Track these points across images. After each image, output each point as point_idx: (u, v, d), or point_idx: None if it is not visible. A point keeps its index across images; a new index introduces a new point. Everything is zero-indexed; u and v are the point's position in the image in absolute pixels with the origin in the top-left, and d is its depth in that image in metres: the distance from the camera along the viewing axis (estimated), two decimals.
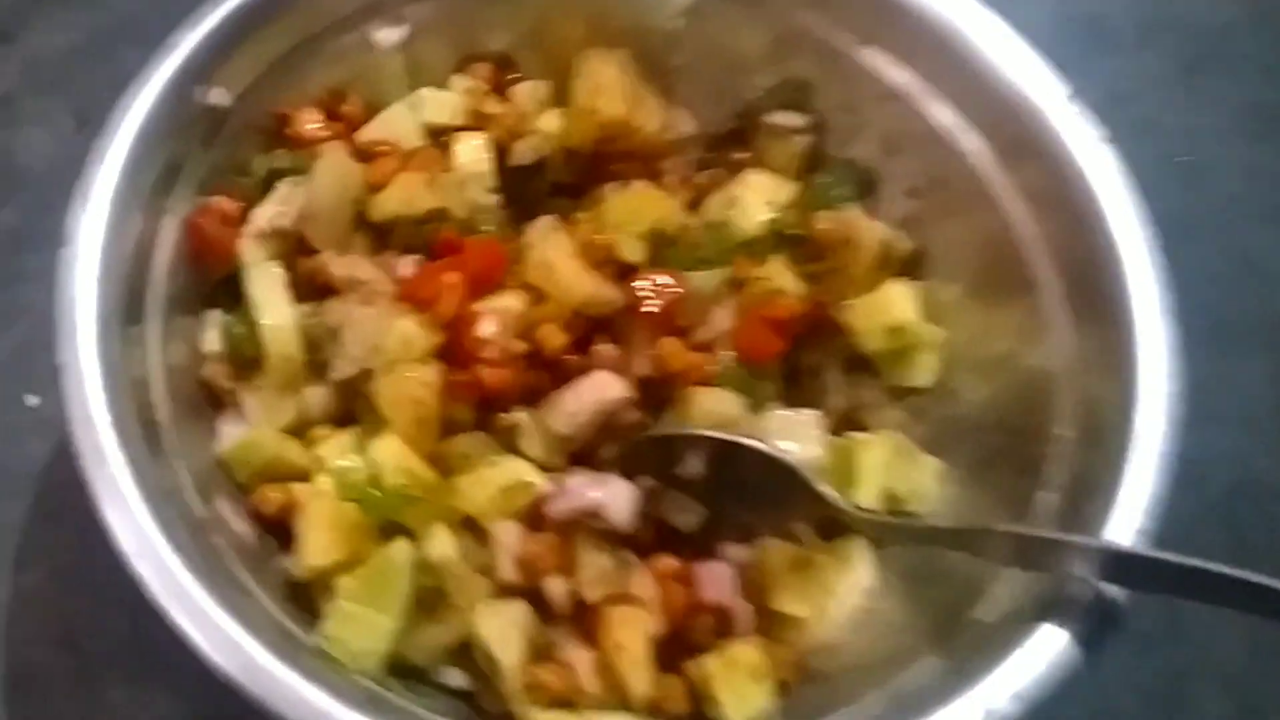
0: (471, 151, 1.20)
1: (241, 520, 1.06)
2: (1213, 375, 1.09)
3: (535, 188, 1.26)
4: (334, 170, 1.13)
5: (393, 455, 1.04)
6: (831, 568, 1.11)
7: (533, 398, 1.12)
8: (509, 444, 1.10)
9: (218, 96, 1.12)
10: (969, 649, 0.97)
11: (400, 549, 1.01)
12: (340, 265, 1.10)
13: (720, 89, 1.31)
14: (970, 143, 1.19)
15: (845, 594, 1.10)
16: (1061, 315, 1.12)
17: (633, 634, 1.03)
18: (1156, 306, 1.04)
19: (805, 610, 1.09)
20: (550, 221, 1.18)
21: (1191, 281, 1.07)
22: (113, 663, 1.20)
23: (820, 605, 1.10)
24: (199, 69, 1.10)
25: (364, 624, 0.98)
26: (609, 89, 1.21)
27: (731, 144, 1.33)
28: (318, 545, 1.02)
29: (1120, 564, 0.92)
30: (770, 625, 1.10)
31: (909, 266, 1.25)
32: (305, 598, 1.04)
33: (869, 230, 1.21)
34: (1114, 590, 0.94)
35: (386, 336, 1.06)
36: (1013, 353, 1.17)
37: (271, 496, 1.06)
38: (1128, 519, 0.96)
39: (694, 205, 1.29)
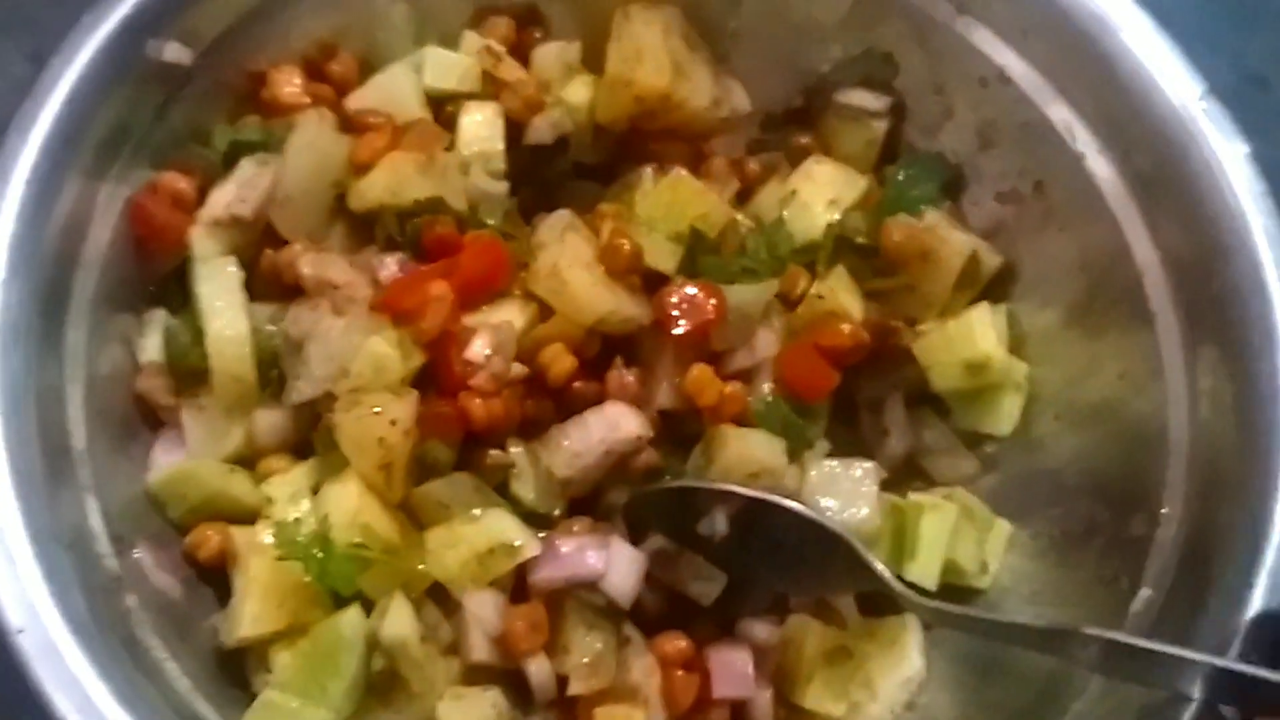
0: (479, 127, 1.01)
1: (166, 571, 0.89)
2: None
3: (554, 169, 1.06)
4: (311, 145, 0.95)
5: (348, 507, 0.86)
6: (875, 658, 0.93)
7: (531, 430, 0.94)
8: (498, 485, 0.93)
9: (175, 53, 0.94)
10: None
11: (350, 622, 0.85)
12: (311, 263, 0.92)
13: (785, 59, 1.11)
14: (1085, 144, 0.99)
15: (889, 692, 0.93)
16: (1180, 357, 0.94)
17: None
18: None
19: (840, 709, 0.92)
20: (566, 219, 0.98)
21: None
22: None
23: (858, 704, 0.92)
24: (152, 19, 0.92)
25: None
26: (650, 55, 1.01)
27: (794, 125, 1.13)
28: (252, 612, 0.85)
29: (1238, 684, 0.74)
30: None
31: (994, 286, 1.07)
32: (240, 665, 0.88)
33: (955, 243, 1.01)
34: (1230, 713, 0.77)
35: (356, 355, 0.88)
36: (1117, 399, 0.99)
37: (210, 539, 0.90)
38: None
39: (743, 197, 1.10)
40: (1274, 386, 0.86)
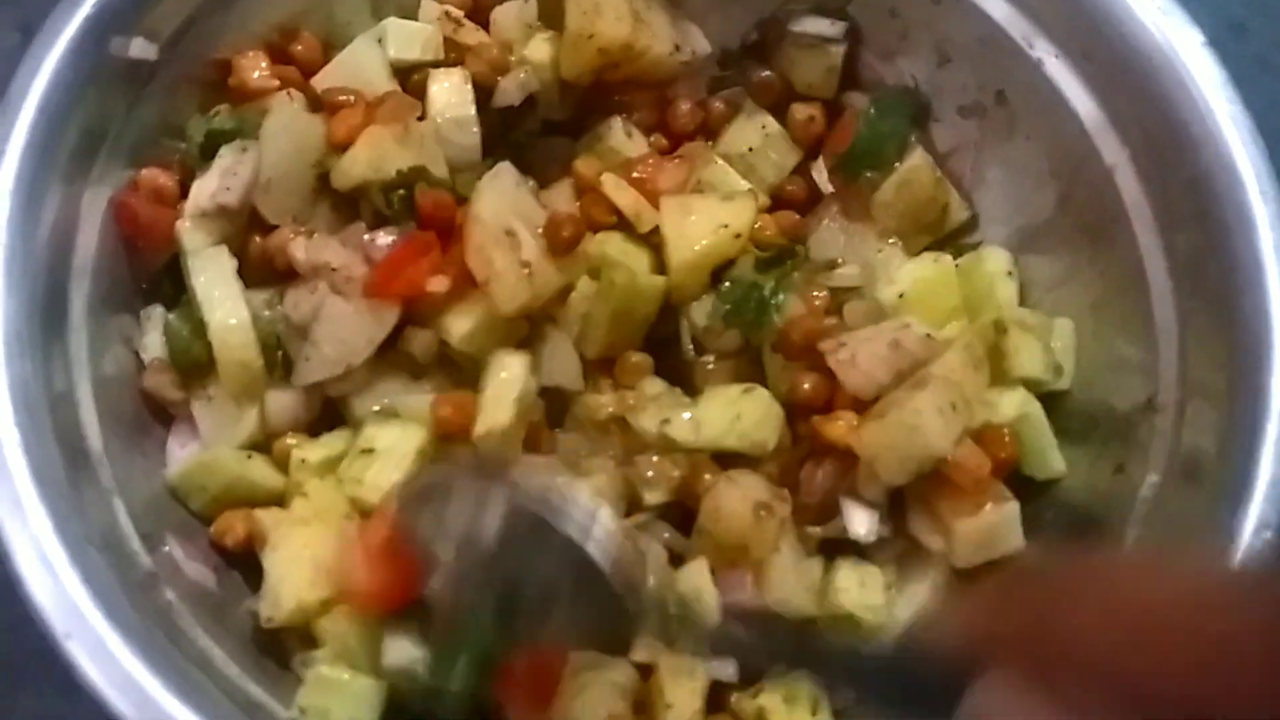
0: (450, 92, 1.00)
1: (197, 561, 0.90)
2: None
3: (524, 129, 1.07)
4: (287, 129, 0.95)
5: None
6: None
7: None
8: None
9: (140, 49, 0.93)
10: None
11: None
12: (304, 248, 0.92)
13: None
14: (1043, 49, 1.01)
15: None
16: (1158, 243, 0.96)
17: None
18: None
19: None
20: (508, 174, 0.98)
21: None
22: None
23: None
24: (114, 17, 0.92)
25: (348, 693, 0.83)
26: (609, 6, 1.01)
27: (752, 60, 1.13)
28: (291, 588, 0.86)
29: None
30: None
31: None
32: (280, 647, 0.89)
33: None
34: None
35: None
36: (1102, 299, 1.01)
37: (235, 526, 0.90)
38: None
39: (710, 137, 1.10)
40: (1256, 261, 0.89)
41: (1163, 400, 0.93)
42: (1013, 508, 0.93)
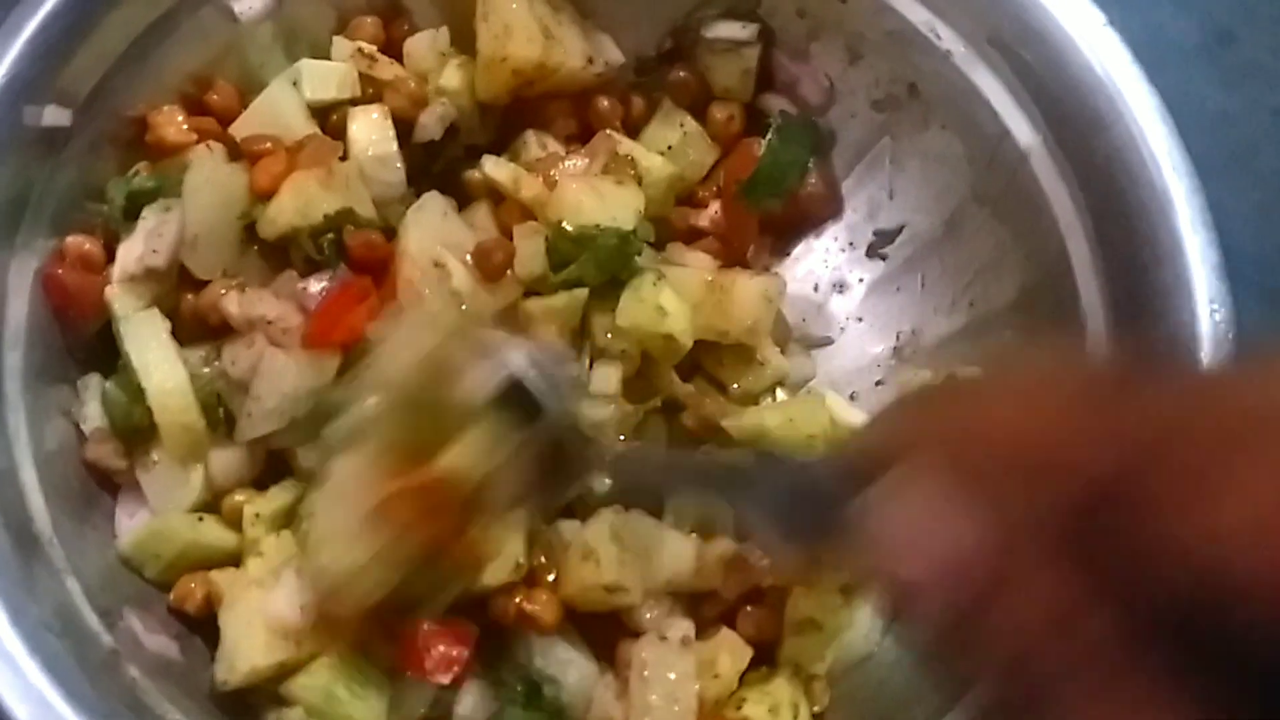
0: (370, 129, 1.00)
1: (157, 633, 0.89)
2: None
3: (447, 156, 1.06)
4: (209, 182, 0.94)
5: None
6: None
7: None
8: None
9: (54, 116, 0.92)
10: None
11: None
12: (237, 302, 0.92)
13: (647, 4, 1.12)
14: (950, 40, 1.02)
15: None
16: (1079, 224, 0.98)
17: None
18: None
19: None
20: (434, 204, 0.99)
21: None
22: None
23: None
24: (26, 85, 0.91)
25: None
26: (520, 27, 1.01)
27: (668, 67, 1.14)
28: (247, 647, 0.86)
29: None
30: None
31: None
32: (250, 710, 0.89)
33: None
34: None
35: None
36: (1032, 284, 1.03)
37: (193, 591, 0.90)
38: None
39: (633, 133, 1.11)
40: (1174, 237, 0.91)
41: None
42: None
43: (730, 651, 0.92)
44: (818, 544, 0.70)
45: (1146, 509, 0.42)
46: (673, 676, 0.88)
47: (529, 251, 0.96)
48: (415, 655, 0.86)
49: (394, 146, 1.01)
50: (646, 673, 0.88)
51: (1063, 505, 0.45)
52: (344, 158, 0.99)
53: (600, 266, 0.95)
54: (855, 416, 1.02)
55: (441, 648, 0.86)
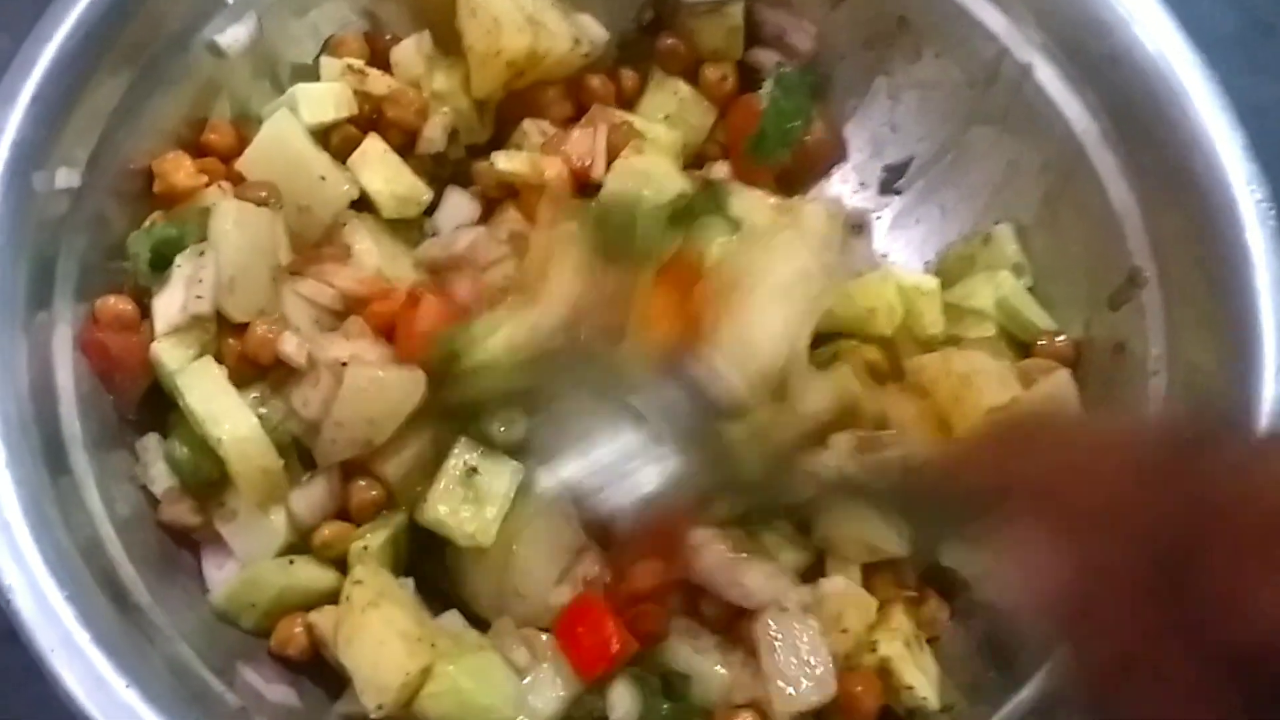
0: (381, 170, 1.00)
1: (277, 683, 0.87)
2: None
3: (450, 160, 1.06)
4: (237, 225, 0.91)
5: None
6: None
7: None
8: None
9: (65, 178, 0.89)
10: None
11: None
12: (293, 342, 0.89)
13: None
14: None
15: None
16: (1097, 131, 0.98)
17: None
18: None
19: None
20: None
21: None
22: None
23: None
24: (31, 152, 0.87)
25: None
26: (507, 19, 1.00)
27: (651, 38, 1.13)
28: (389, 664, 0.83)
29: None
30: None
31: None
32: None
33: None
34: None
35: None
36: (1054, 192, 1.03)
37: (295, 634, 0.88)
38: None
39: (628, 107, 1.10)
40: (1199, 125, 0.91)
41: (1144, 273, 0.96)
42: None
43: (855, 605, 0.91)
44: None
45: (1214, 573, 0.51)
46: (805, 640, 0.88)
47: None
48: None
49: (409, 176, 1.01)
50: (778, 644, 0.88)
51: (1141, 557, 0.54)
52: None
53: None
54: (927, 281, 1.03)
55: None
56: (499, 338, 0.89)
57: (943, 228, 1.10)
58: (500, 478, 0.90)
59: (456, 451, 0.90)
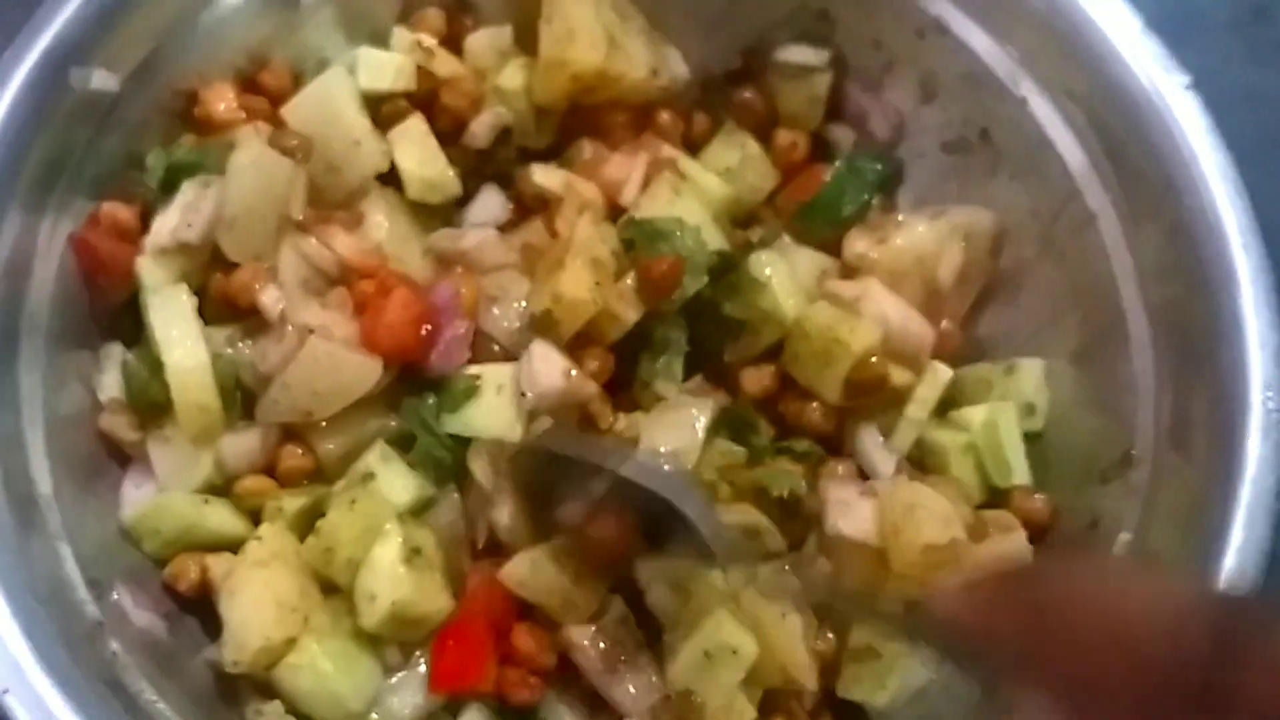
0: (415, 151, 1.00)
1: (146, 610, 0.88)
2: None
3: (501, 158, 1.05)
4: (255, 165, 0.92)
5: None
6: None
7: None
8: None
9: (101, 80, 0.92)
10: None
11: None
12: (274, 296, 0.91)
13: (719, 21, 1.09)
14: (1028, 89, 0.99)
15: None
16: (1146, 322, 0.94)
17: None
18: None
19: None
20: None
21: None
22: None
23: None
24: (73, 48, 0.90)
25: None
26: (583, 32, 0.99)
27: (734, 87, 1.11)
28: (257, 625, 0.84)
29: None
30: None
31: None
32: (233, 698, 0.88)
33: None
34: None
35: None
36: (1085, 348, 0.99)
37: (189, 570, 0.89)
38: None
39: (693, 151, 1.09)
40: (1236, 316, 0.86)
41: (1139, 455, 0.91)
42: None
43: None
44: None
45: None
46: None
47: None
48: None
49: (442, 163, 1.01)
50: None
51: None
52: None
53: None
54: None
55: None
56: None
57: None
58: None
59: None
